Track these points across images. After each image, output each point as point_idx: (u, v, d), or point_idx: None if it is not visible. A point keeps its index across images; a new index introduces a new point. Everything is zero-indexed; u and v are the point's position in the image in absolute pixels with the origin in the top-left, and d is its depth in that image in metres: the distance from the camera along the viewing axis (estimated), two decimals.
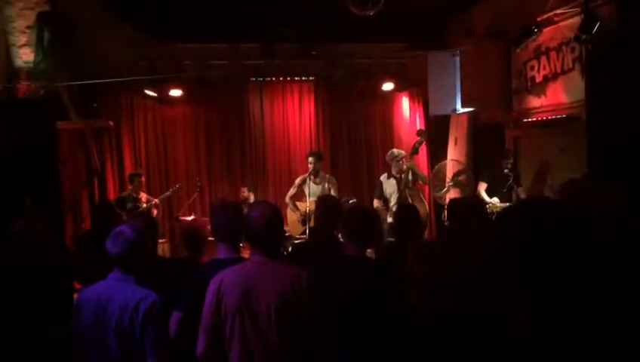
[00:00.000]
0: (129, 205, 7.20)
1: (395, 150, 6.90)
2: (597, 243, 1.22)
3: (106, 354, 2.56)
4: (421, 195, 6.85)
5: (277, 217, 2.66)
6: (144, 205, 7.29)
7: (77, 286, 3.70)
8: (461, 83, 7.08)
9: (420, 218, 4.33)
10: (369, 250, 3.49)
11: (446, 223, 6.23)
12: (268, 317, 2.44)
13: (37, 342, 2.92)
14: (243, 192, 7.94)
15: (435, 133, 8.18)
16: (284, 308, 2.45)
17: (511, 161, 6.64)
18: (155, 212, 7.36)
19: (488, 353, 1.42)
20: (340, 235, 3.65)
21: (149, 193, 7.69)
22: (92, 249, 4.02)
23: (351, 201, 6.81)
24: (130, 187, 7.47)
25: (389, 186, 6.74)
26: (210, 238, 3.61)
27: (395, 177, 6.73)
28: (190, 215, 7.78)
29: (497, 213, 6.22)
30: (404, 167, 6.63)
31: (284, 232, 5.63)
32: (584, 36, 5.22)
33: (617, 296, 1.38)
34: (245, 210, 2.89)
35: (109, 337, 2.54)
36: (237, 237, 2.96)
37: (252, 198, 7.81)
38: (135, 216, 6.05)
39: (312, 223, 5.97)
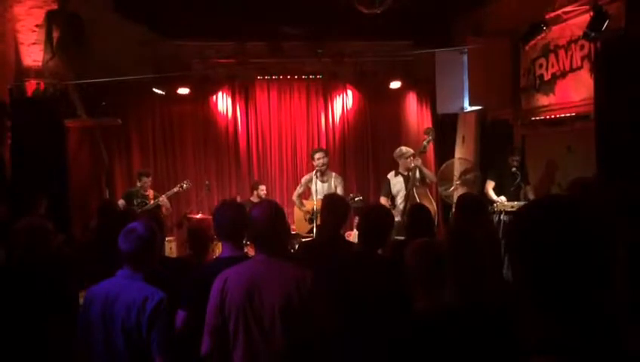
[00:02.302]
0: (137, 201, 7.23)
1: (402, 147, 6.88)
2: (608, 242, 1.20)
3: (112, 351, 2.58)
4: (429, 194, 6.82)
5: (278, 216, 2.65)
6: (152, 201, 7.31)
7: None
8: (469, 81, 7.04)
9: (432, 219, 4.32)
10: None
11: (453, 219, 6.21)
12: (272, 316, 2.45)
13: (39, 342, 2.93)
14: (262, 190, 7.88)
15: (443, 131, 8.14)
16: (288, 307, 2.45)
17: (518, 158, 6.60)
18: (164, 210, 7.38)
19: (490, 353, 1.42)
20: (346, 234, 3.65)
21: (156, 191, 7.71)
22: (97, 247, 4.05)
23: (357, 199, 6.79)
24: (138, 184, 7.49)
25: (397, 184, 6.72)
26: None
27: (402, 175, 6.71)
28: (198, 213, 7.79)
29: (505, 211, 6.20)
30: (412, 165, 6.61)
31: (288, 230, 5.61)
32: (593, 34, 5.17)
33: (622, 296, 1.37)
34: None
35: (115, 334, 2.55)
36: (240, 236, 2.97)
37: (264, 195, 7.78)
38: (144, 214, 6.08)
39: (318, 221, 5.97)
